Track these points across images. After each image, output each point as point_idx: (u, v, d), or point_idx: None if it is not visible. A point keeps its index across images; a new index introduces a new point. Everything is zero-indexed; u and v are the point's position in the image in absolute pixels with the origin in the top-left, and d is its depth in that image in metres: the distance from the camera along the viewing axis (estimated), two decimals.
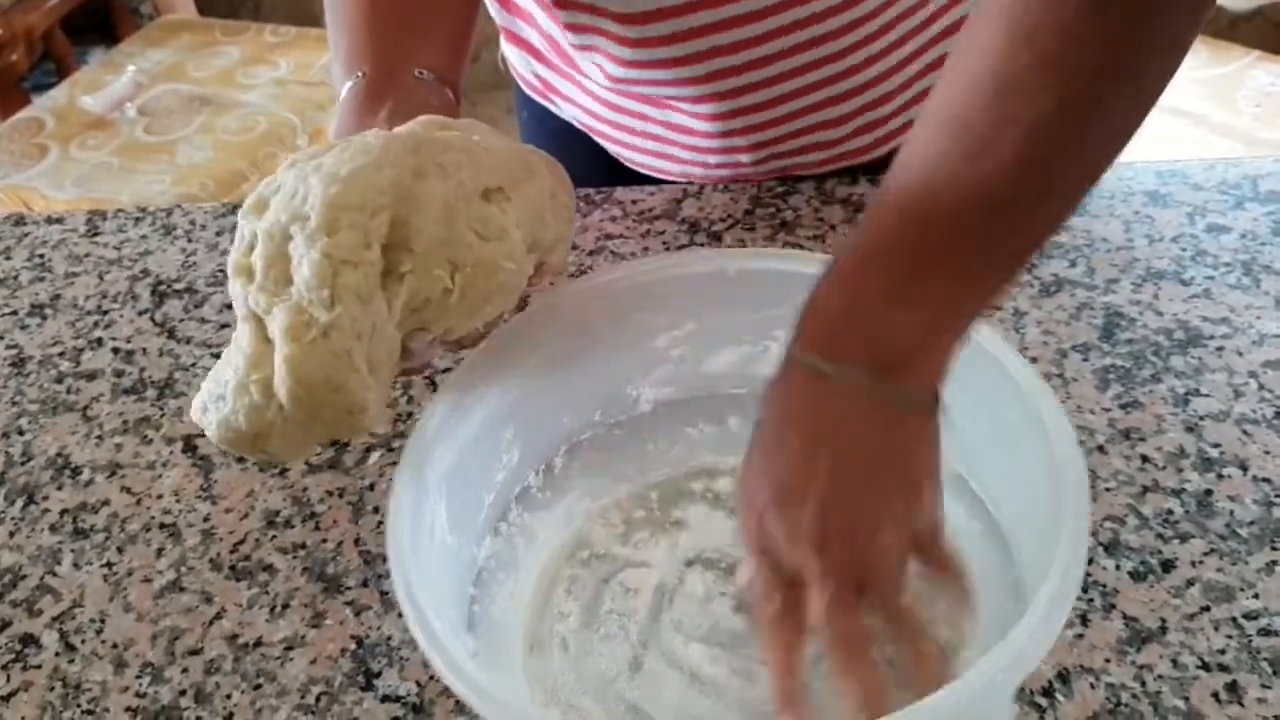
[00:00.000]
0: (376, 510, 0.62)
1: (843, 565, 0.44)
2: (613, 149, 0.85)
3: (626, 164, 0.86)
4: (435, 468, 0.49)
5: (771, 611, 0.45)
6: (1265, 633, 0.52)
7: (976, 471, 0.54)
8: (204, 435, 0.67)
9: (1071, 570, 0.41)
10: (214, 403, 0.47)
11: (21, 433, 0.70)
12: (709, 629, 0.53)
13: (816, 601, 0.43)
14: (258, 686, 0.54)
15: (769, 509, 0.45)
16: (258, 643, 0.56)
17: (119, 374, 0.74)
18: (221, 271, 0.81)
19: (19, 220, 0.89)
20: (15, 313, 0.80)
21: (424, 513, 0.48)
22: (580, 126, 0.86)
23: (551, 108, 0.87)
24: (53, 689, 0.55)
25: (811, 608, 0.44)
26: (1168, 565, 0.55)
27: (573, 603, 0.55)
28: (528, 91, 0.88)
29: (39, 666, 0.56)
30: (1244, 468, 0.59)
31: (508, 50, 0.86)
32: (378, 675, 0.54)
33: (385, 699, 0.53)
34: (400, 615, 0.56)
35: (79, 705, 0.54)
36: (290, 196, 0.47)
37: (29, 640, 0.58)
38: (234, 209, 0.88)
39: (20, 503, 0.66)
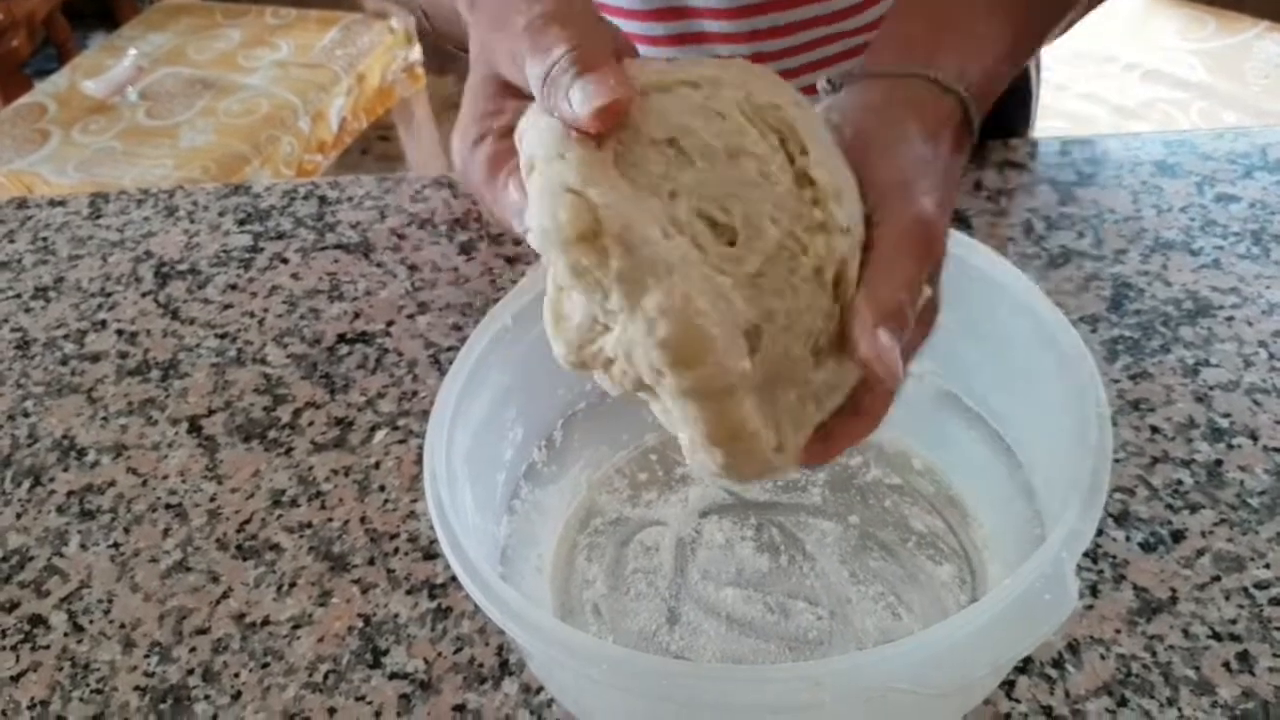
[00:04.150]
0: (382, 489, 0.62)
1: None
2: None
3: None
4: (457, 452, 0.49)
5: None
6: (1276, 602, 0.51)
7: (976, 389, 0.55)
8: (208, 415, 0.68)
9: (1104, 447, 0.42)
10: None
11: (27, 415, 0.70)
12: (736, 572, 0.54)
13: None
14: (265, 665, 0.54)
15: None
16: (265, 621, 0.56)
17: (123, 355, 0.74)
18: (225, 252, 0.81)
19: (22, 203, 0.89)
20: (19, 295, 0.80)
21: (457, 500, 0.47)
22: None
23: None
24: (61, 669, 0.55)
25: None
26: (1178, 536, 0.55)
27: (596, 568, 0.55)
28: None
29: (47, 647, 0.57)
30: (1254, 437, 0.59)
31: None
32: (385, 653, 0.54)
33: (393, 676, 0.53)
34: (409, 593, 0.57)
35: (88, 685, 0.54)
36: None
37: (37, 621, 0.58)
38: (236, 189, 0.88)
39: (27, 484, 0.66)
